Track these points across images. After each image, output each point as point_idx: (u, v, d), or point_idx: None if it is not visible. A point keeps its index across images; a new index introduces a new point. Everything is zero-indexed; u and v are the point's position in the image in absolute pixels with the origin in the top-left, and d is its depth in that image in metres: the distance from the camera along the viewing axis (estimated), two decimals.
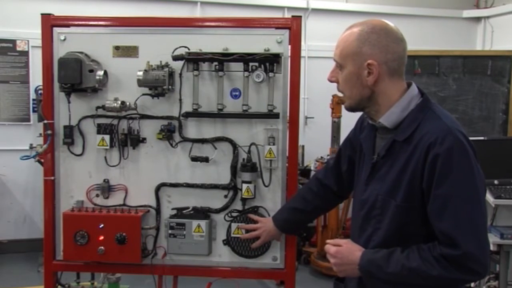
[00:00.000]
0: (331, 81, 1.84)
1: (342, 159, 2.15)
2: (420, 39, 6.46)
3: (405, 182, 1.69)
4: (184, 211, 2.53)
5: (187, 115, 2.48)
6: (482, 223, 1.65)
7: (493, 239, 3.44)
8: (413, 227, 1.72)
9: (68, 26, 2.57)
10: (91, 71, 2.46)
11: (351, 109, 1.82)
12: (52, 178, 2.59)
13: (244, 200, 2.50)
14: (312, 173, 5.45)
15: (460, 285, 1.78)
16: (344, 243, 1.84)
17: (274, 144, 2.46)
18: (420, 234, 1.71)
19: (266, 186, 2.49)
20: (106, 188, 2.57)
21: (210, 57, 2.40)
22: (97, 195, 2.59)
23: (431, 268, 1.63)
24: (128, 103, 2.49)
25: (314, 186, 2.28)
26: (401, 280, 1.70)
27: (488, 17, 6.65)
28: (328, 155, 5.41)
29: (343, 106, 5.40)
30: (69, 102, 2.52)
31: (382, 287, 1.77)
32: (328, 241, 1.89)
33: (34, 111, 5.56)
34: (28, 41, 5.52)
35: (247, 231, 2.46)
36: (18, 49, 5.56)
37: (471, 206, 1.63)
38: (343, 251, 1.81)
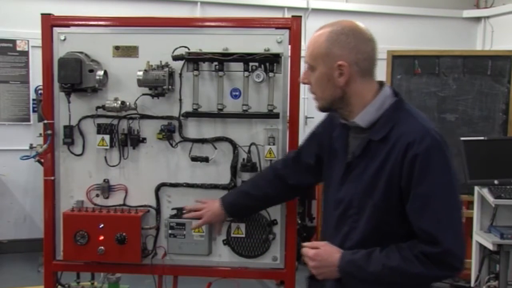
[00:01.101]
0: (304, 83, 1.86)
1: (305, 153, 2.12)
2: (420, 39, 6.48)
3: (383, 182, 1.70)
4: (184, 211, 2.53)
5: (187, 115, 2.48)
6: (459, 221, 1.69)
7: (493, 239, 3.44)
8: (390, 226, 1.74)
9: (68, 26, 2.57)
10: (91, 71, 2.46)
11: (323, 109, 1.84)
12: (52, 178, 2.59)
13: None
14: None
15: (438, 281, 1.82)
16: (322, 246, 1.83)
17: (274, 144, 2.46)
18: (397, 233, 1.73)
19: None
20: (106, 188, 2.57)
21: (210, 57, 2.40)
22: (97, 195, 2.59)
23: (412, 266, 1.65)
24: (128, 103, 2.49)
25: (269, 174, 2.26)
26: (382, 280, 1.72)
27: (488, 17, 6.65)
28: None
29: None
30: (69, 102, 2.52)
31: (361, 286, 1.78)
32: (305, 244, 1.87)
33: (34, 111, 5.56)
34: (28, 41, 5.52)
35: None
36: (18, 49, 5.56)
37: (450, 204, 1.67)
38: (322, 254, 1.80)
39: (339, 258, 1.76)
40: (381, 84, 1.80)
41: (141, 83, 2.43)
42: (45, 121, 2.57)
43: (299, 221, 5.41)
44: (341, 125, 1.86)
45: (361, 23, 1.76)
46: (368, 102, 1.75)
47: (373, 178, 1.72)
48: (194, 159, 2.51)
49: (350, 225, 1.79)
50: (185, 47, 2.45)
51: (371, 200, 1.72)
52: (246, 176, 2.45)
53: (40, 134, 2.82)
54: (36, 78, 5.48)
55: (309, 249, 1.83)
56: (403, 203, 1.69)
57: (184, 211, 2.49)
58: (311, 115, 6.40)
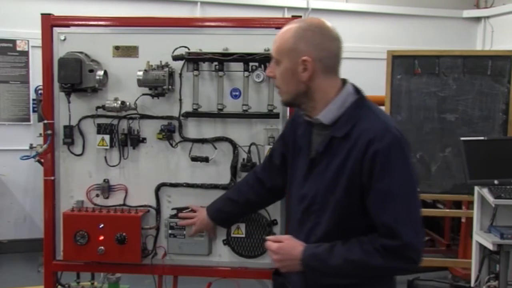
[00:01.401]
0: (270, 76, 1.90)
1: (275, 154, 2.14)
2: (420, 39, 6.47)
3: (345, 178, 1.73)
4: (184, 211, 2.53)
5: (187, 115, 2.48)
6: (418, 215, 1.75)
7: (493, 239, 3.43)
8: (353, 221, 1.77)
9: (68, 26, 2.57)
10: (91, 71, 2.46)
11: (287, 103, 1.89)
12: (52, 178, 2.59)
13: None
14: None
15: (397, 274, 1.89)
16: (286, 239, 1.86)
17: None
18: (359, 227, 1.76)
19: None
20: (106, 188, 2.57)
21: (210, 57, 2.41)
22: (97, 195, 2.59)
23: (372, 259, 1.70)
24: (128, 103, 2.49)
25: (250, 179, 2.26)
26: (344, 272, 1.76)
27: (488, 17, 6.65)
28: None
29: None
30: (69, 102, 2.52)
31: (324, 279, 1.81)
32: (268, 237, 1.90)
33: (34, 111, 5.55)
34: (28, 41, 5.51)
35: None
36: (18, 49, 5.56)
37: (409, 199, 1.72)
38: (285, 247, 1.83)
39: (302, 251, 1.79)
40: (344, 81, 1.84)
41: (141, 83, 2.43)
42: (45, 121, 2.57)
43: None
44: (305, 123, 1.89)
45: (329, 22, 1.80)
46: (331, 98, 1.79)
47: (335, 174, 1.75)
48: (194, 159, 2.51)
49: (314, 220, 1.83)
50: (185, 47, 2.45)
51: (333, 196, 1.76)
52: None
53: (40, 134, 2.82)
54: (36, 78, 5.47)
55: (272, 242, 1.86)
56: (364, 198, 1.73)
57: (178, 217, 2.49)
58: None
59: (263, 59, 2.38)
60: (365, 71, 6.18)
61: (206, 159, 2.50)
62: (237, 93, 2.49)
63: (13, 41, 5.54)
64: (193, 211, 2.45)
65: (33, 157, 2.69)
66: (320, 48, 1.74)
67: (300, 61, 1.73)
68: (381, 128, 1.71)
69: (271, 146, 2.44)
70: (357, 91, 1.83)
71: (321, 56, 1.74)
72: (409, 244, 1.68)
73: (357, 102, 1.79)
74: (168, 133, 2.52)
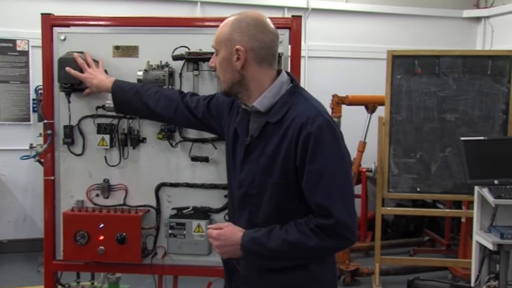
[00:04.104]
0: (211, 67, 1.97)
1: (213, 104, 2.16)
2: (420, 39, 6.48)
3: (280, 160, 1.80)
4: (184, 211, 2.54)
5: None
6: (351, 195, 1.83)
7: (493, 239, 3.43)
8: (291, 204, 1.84)
9: (68, 26, 2.57)
10: None
11: (225, 93, 1.93)
12: (52, 178, 2.59)
13: None
14: None
15: (333, 253, 1.98)
16: (225, 226, 1.90)
17: None
18: (298, 210, 1.82)
19: None
20: (106, 188, 2.57)
21: (210, 57, 2.40)
22: (97, 195, 2.59)
23: (308, 239, 1.76)
24: None
25: (174, 95, 2.26)
26: (283, 255, 1.81)
27: (488, 17, 6.66)
28: None
29: (343, 106, 5.38)
30: (69, 102, 2.52)
31: (264, 263, 1.85)
32: (209, 226, 1.96)
33: (34, 111, 5.55)
34: (28, 41, 5.52)
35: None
36: (18, 49, 5.56)
37: (341, 179, 1.78)
38: (225, 233, 1.87)
39: (241, 236, 1.84)
40: (279, 72, 1.90)
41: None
42: (45, 121, 2.57)
43: None
44: (243, 111, 1.95)
45: (266, 17, 1.87)
46: (265, 88, 1.85)
47: (270, 158, 1.82)
48: (194, 159, 2.51)
49: (254, 204, 1.88)
50: (185, 47, 2.45)
51: (270, 179, 1.82)
52: None
53: (40, 134, 2.82)
54: (36, 78, 5.48)
55: (212, 230, 1.90)
56: (299, 180, 1.79)
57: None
58: None
59: None
60: (365, 71, 6.22)
61: (206, 159, 2.50)
62: None
63: (13, 41, 5.54)
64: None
65: (33, 157, 2.69)
66: (254, 38, 1.80)
67: (234, 50, 1.81)
68: (313, 112, 1.78)
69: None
70: (291, 79, 1.90)
71: (254, 46, 1.80)
72: (341, 222, 1.74)
73: (291, 90, 1.87)
74: (168, 133, 2.52)
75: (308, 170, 1.76)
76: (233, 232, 1.87)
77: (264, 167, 1.83)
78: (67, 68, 2.41)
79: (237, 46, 1.80)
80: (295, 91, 1.87)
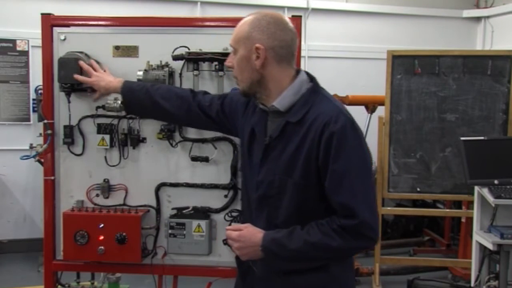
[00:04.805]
0: (228, 66, 1.92)
1: (227, 103, 2.13)
2: (420, 39, 6.48)
3: (301, 160, 1.77)
4: (184, 211, 2.54)
5: None
6: (373, 194, 1.81)
7: (493, 239, 3.43)
8: (312, 204, 1.81)
9: (68, 26, 2.57)
10: None
11: (244, 93, 1.90)
12: (52, 178, 2.59)
13: None
14: None
15: (355, 254, 1.95)
16: (245, 227, 1.86)
17: None
18: (319, 210, 1.80)
19: None
20: (106, 188, 2.57)
21: (210, 57, 2.41)
22: (97, 195, 2.59)
23: (331, 240, 1.73)
24: None
25: (185, 94, 2.23)
26: (304, 256, 1.78)
27: (488, 17, 6.65)
28: None
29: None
30: (69, 102, 2.52)
31: (285, 264, 1.83)
32: (228, 227, 1.92)
33: (34, 111, 5.55)
34: (28, 41, 5.51)
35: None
36: (18, 49, 5.56)
37: (364, 179, 1.76)
38: (245, 234, 1.84)
39: (262, 237, 1.81)
40: (297, 71, 1.87)
41: None
42: (45, 121, 2.57)
43: None
44: (260, 111, 1.92)
45: (287, 17, 1.85)
46: (284, 87, 1.83)
47: (291, 158, 1.79)
48: (194, 159, 2.51)
49: (273, 205, 1.85)
50: (185, 47, 2.46)
51: (291, 179, 1.79)
52: None
53: (40, 134, 2.82)
54: (36, 78, 5.47)
55: (232, 231, 1.87)
56: (321, 180, 1.76)
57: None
58: None
59: None
60: (365, 71, 6.21)
61: (206, 159, 2.50)
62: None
63: (13, 41, 5.54)
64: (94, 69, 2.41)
65: (33, 157, 2.69)
66: (273, 37, 1.78)
67: (253, 48, 1.78)
68: (335, 111, 1.76)
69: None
70: (311, 78, 1.88)
71: (274, 45, 1.78)
72: (365, 222, 1.72)
73: (312, 89, 1.84)
74: (168, 133, 2.52)
75: (332, 169, 1.73)
76: (253, 233, 1.83)
77: (285, 167, 1.80)
78: (75, 76, 2.39)
79: (257, 45, 1.77)
80: (316, 90, 1.85)
